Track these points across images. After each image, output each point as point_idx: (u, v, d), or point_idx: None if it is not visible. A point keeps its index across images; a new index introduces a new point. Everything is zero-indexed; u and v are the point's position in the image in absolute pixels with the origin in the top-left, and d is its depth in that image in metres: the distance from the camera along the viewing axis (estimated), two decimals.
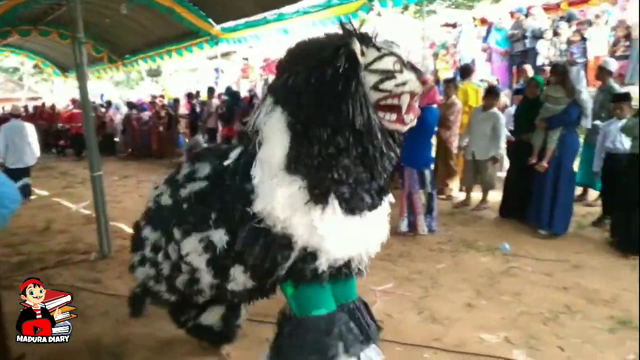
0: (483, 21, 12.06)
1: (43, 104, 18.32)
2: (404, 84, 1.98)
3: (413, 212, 5.22)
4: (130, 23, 13.37)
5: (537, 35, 9.77)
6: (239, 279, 2.28)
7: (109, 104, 16.24)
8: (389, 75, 1.97)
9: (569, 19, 9.82)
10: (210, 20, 11.96)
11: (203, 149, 2.75)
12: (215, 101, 11.56)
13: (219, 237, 2.24)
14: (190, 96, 13.33)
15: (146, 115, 14.00)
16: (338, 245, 2.10)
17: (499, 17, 10.90)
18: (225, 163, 2.29)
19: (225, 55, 16.98)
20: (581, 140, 5.58)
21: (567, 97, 4.91)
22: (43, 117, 16.53)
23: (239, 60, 17.82)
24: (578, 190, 5.91)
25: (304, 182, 2.01)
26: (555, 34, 9.54)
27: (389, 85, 1.97)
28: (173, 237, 2.44)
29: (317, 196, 2.00)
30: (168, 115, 13.23)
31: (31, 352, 3.03)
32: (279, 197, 2.00)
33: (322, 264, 2.10)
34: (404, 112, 2.00)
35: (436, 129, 5.77)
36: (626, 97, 5.04)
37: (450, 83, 6.69)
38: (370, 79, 1.97)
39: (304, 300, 2.18)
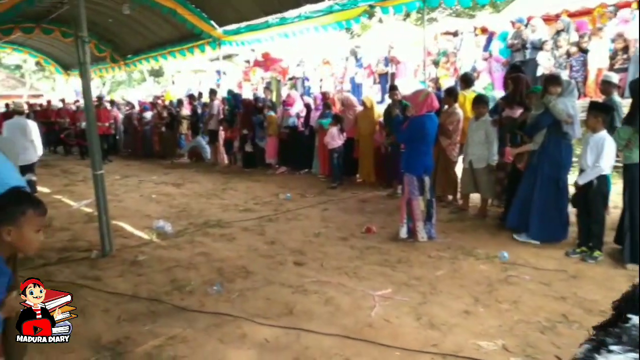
0: (484, 30, 12.16)
1: (49, 102, 18.17)
2: None
3: (412, 218, 5.26)
4: (133, 23, 13.45)
5: (537, 47, 9.86)
6: None
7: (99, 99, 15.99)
8: None
9: (568, 30, 9.90)
10: (212, 22, 12.04)
11: None
12: (217, 103, 11.61)
13: None
14: (192, 97, 13.38)
15: (148, 115, 14.04)
16: None
17: (502, 26, 10.99)
18: None
19: (227, 57, 17.04)
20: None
21: (542, 106, 5.06)
22: (47, 114, 16.35)
23: (241, 62, 17.90)
24: None
25: None
26: (556, 45, 9.63)
27: None
28: None
29: None
30: (170, 116, 13.28)
31: (34, 346, 3.07)
32: None
33: None
34: None
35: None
36: (598, 106, 4.84)
37: (451, 93, 6.74)
38: None
39: None
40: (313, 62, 14.89)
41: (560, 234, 5.15)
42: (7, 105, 13.69)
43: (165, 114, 13.47)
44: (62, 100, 16.94)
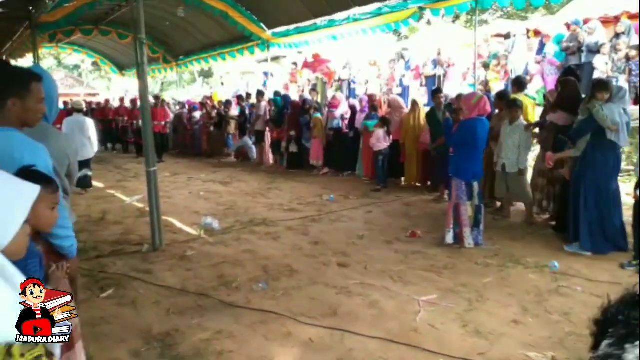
0: (537, 33, 11.82)
1: (107, 101, 18.82)
2: None
3: (459, 224, 5.17)
4: (185, 25, 13.83)
5: (593, 50, 9.49)
6: None
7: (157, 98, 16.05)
8: None
9: (628, 34, 9.48)
10: (262, 25, 12.21)
11: None
12: (264, 104, 11.79)
13: None
14: (240, 98, 13.63)
15: (197, 115, 14.40)
16: None
17: (556, 29, 10.65)
18: None
19: (274, 59, 17.25)
20: None
21: (587, 111, 4.88)
22: (105, 113, 16.85)
23: (287, 64, 18.09)
24: None
25: None
26: (614, 49, 9.24)
27: None
28: None
29: None
30: (219, 116, 13.57)
31: (89, 334, 3.22)
32: None
33: None
34: None
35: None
36: None
37: (502, 97, 6.59)
38: None
39: None
40: (359, 64, 14.88)
41: (612, 245, 4.94)
42: (65, 103, 14.32)
43: (214, 114, 13.78)
44: (121, 99, 17.48)
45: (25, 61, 12.79)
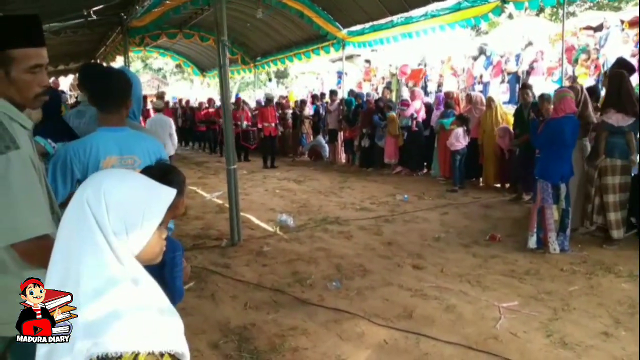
0: (632, 24, 10.93)
1: (209, 101, 17.11)
2: None
3: (543, 228, 4.90)
4: (263, 27, 14.14)
5: None
6: None
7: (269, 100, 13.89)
8: None
9: None
10: (337, 24, 12.23)
11: None
12: (337, 104, 11.83)
13: None
14: (314, 98, 13.75)
15: None
16: None
17: None
18: None
19: (348, 58, 17.21)
20: None
21: None
22: (209, 114, 15.83)
23: (360, 63, 18.01)
24: None
25: None
26: None
27: None
28: None
29: None
30: (293, 115, 13.79)
31: None
32: None
33: None
34: None
35: None
36: None
37: (592, 94, 6.16)
38: None
39: None
40: (434, 60, 14.51)
41: None
42: (167, 103, 14.46)
43: (289, 113, 14.01)
44: (209, 101, 16.71)
45: (116, 64, 13.68)
